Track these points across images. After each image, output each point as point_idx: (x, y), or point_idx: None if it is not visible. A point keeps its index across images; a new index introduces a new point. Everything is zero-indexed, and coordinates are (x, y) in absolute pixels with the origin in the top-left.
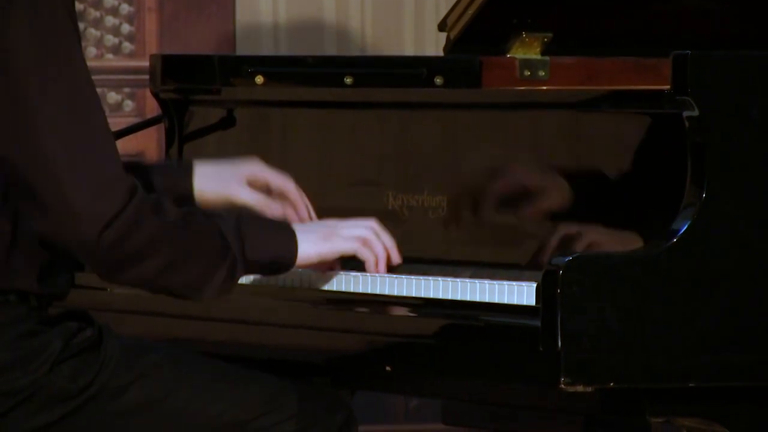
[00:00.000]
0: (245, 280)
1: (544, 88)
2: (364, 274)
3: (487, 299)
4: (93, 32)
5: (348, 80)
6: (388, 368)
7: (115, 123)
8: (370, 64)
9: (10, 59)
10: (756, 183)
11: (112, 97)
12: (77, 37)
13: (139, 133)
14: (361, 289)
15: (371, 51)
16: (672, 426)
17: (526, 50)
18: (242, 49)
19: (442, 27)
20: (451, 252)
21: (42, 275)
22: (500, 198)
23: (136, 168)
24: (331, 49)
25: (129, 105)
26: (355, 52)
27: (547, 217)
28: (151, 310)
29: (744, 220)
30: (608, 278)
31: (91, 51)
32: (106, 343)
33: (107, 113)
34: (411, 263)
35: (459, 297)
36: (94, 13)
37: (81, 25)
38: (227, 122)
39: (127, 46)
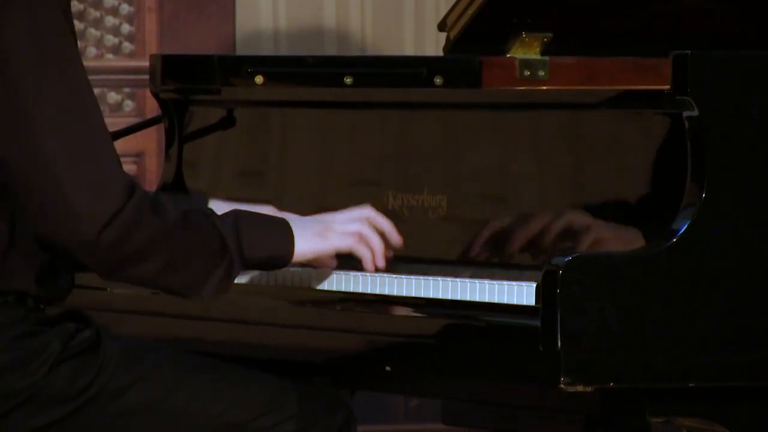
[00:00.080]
0: (245, 279)
1: (544, 88)
2: (364, 273)
3: (487, 299)
4: (93, 32)
5: (348, 80)
6: (388, 368)
7: (115, 123)
8: (370, 64)
9: (6, 60)
10: (756, 183)
11: (112, 97)
12: (74, 37)
13: (139, 133)
14: (360, 289)
15: (371, 51)
16: (672, 426)
17: (525, 50)
18: (242, 49)
19: (441, 27)
20: (451, 252)
21: (40, 276)
22: (501, 199)
23: None
24: (331, 49)
25: (129, 105)
26: (355, 52)
27: (547, 216)
28: (150, 310)
29: (744, 220)
30: (608, 278)
31: (91, 51)
32: (104, 345)
33: (107, 113)
34: (411, 263)
35: (459, 297)
36: (94, 13)
37: (81, 25)
38: (227, 122)
39: (127, 46)
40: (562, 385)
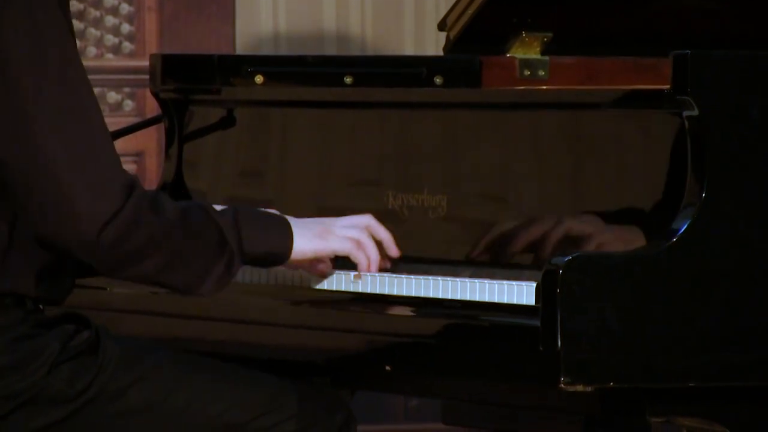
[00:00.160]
0: (245, 279)
1: (544, 87)
2: (363, 273)
3: (487, 299)
4: (93, 32)
5: (348, 80)
6: (387, 368)
7: (115, 123)
8: (370, 63)
9: (6, 60)
10: (756, 183)
11: (112, 96)
12: (73, 36)
13: (139, 133)
14: (360, 289)
15: (371, 51)
16: (672, 426)
17: (525, 50)
18: (242, 49)
19: (441, 27)
20: (450, 252)
21: (40, 277)
22: (501, 199)
23: None
24: (330, 49)
25: (129, 105)
26: (355, 52)
27: (547, 216)
28: (150, 309)
29: (744, 220)
30: (608, 278)
31: (91, 51)
32: (104, 345)
33: (107, 113)
34: (411, 263)
35: (459, 296)
36: (94, 13)
37: (81, 25)
38: (227, 122)
39: (127, 45)
40: (562, 385)
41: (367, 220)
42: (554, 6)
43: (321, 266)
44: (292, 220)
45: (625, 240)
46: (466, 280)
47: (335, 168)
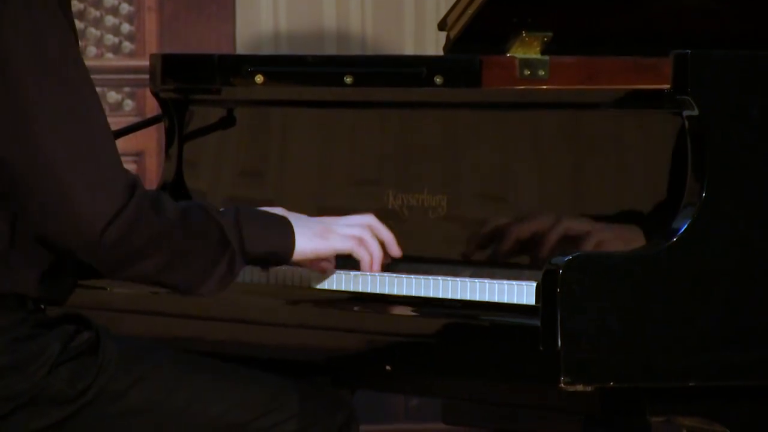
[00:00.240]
0: (245, 279)
1: (544, 87)
2: (364, 273)
3: (487, 298)
4: (93, 32)
5: (348, 80)
6: (388, 367)
7: (115, 122)
8: (370, 63)
9: (6, 60)
10: (756, 182)
11: (112, 96)
12: (74, 36)
13: (139, 133)
14: (361, 289)
15: (371, 50)
16: (672, 425)
17: (526, 50)
18: (242, 49)
19: (442, 26)
20: (451, 251)
21: (41, 278)
22: (501, 199)
23: None
24: (331, 49)
25: (129, 104)
26: (355, 52)
27: (547, 216)
28: (150, 309)
29: (744, 220)
30: (608, 277)
31: (91, 50)
32: (104, 346)
33: (107, 113)
34: (411, 262)
35: (459, 296)
36: (94, 13)
37: (81, 25)
38: (227, 122)
39: (127, 45)
40: (562, 385)
41: (369, 219)
42: (554, 6)
43: (323, 264)
44: (293, 219)
45: (625, 239)
46: (466, 279)
47: (335, 168)
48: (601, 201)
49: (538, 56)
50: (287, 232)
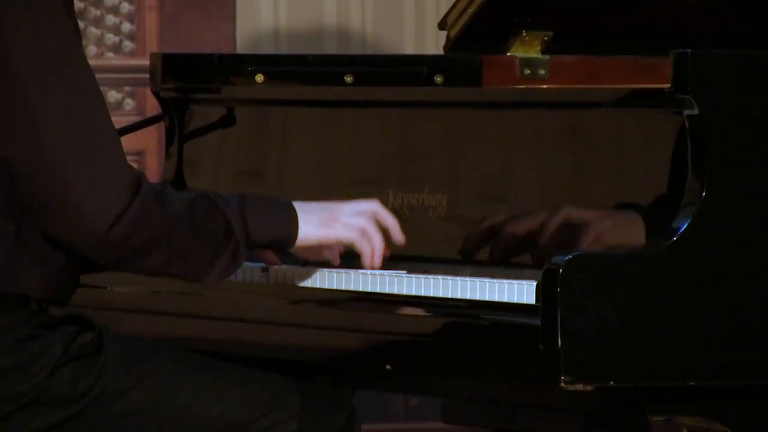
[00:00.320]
0: (246, 278)
1: (545, 86)
2: (364, 272)
3: (487, 298)
4: (93, 31)
5: (348, 79)
6: (388, 367)
7: (116, 122)
8: (371, 62)
9: (8, 60)
10: (756, 181)
11: (113, 95)
12: (77, 35)
13: (140, 132)
14: (361, 288)
15: (372, 50)
16: (672, 425)
17: (526, 49)
18: (243, 48)
19: (442, 26)
20: (451, 251)
21: (45, 279)
22: (501, 198)
23: None
24: (331, 48)
25: (129, 104)
26: (355, 51)
27: (547, 215)
28: (151, 308)
29: (744, 219)
30: (608, 277)
31: (91, 49)
32: (106, 347)
33: None
34: (411, 262)
35: (459, 295)
36: (94, 12)
37: (81, 24)
38: (227, 121)
39: (128, 44)
40: (563, 384)
41: (374, 206)
42: (555, 5)
43: (326, 253)
44: (298, 205)
45: (626, 234)
46: (467, 279)
47: (336, 167)
48: (601, 200)
49: (539, 55)
50: (292, 219)
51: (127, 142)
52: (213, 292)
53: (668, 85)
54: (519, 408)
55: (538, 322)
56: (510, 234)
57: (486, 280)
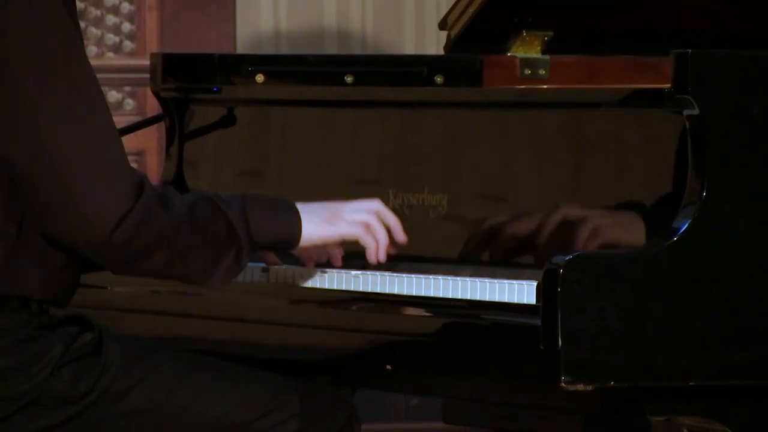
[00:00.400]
0: (246, 279)
1: (545, 86)
2: (364, 272)
3: (487, 298)
4: (94, 31)
5: (348, 79)
6: (388, 367)
7: (116, 122)
8: (371, 62)
9: (9, 60)
10: (756, 182)
11: (113, 95)
12: (78, 35)
13: (140, 132)
14: (361, 288)
15: (372, 50)
16: (673, 424)
17: (526, 49)
18: (243, 48)
19: (442, 26)
20: (451, 251)
21: (45, 280)
22: (501, 198)
23: None
24: (331, 48)
25: (130, 104)
26: (355, 51)
27: (547, 215)
28: (151, 308)
29: (744, 219)
30: (608, 277)
31: (91, 49)
32: (106, 348)
33: None
34: (411, 262)
35: (459, 295)
36: (94, 12)
37: (82, 24)
38: (228, 121)
39: (128, 44)
40: (563, 384)
41: (376, 205)
42: (555, 5)
43: (330, 251)
44: (300, 205)
45: (627, 233)
46: (467, 279)
47: (336, 167)
48: (602, 200)
49: (539, 55)
50: (294, 219)
51: (128, 142)
52: (213, 292)
53: (668, 85)
54: (519, 408)
55: (538, 322)
56: (510, 234)
57: (486, 280)
